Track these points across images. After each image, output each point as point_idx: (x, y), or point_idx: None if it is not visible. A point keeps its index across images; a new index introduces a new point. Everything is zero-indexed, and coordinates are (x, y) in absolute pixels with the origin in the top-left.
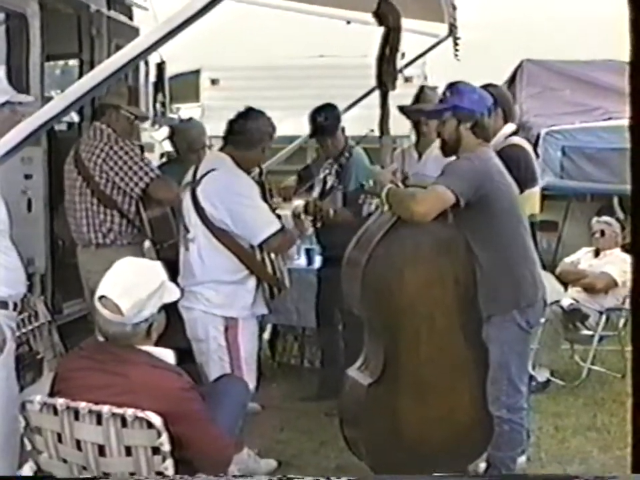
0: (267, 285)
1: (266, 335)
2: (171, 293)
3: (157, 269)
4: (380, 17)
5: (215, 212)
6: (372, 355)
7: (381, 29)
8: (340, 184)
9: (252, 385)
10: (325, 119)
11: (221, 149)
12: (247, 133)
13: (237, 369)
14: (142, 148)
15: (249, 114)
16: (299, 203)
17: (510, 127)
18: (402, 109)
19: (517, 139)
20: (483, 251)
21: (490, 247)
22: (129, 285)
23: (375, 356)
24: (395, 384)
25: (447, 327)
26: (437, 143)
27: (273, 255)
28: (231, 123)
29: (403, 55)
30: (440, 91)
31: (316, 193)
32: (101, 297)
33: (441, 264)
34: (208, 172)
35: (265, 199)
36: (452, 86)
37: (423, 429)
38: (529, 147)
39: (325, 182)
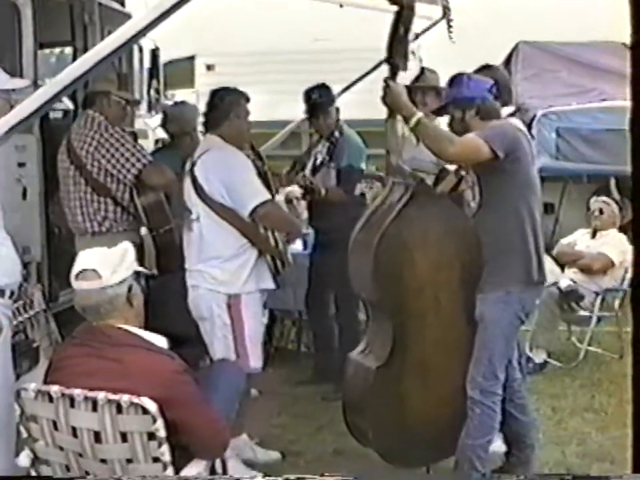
0: (270, 259)
1: (263, 320)
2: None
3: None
4: None
5: (210, 187)
6: (378, 338)
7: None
8: (331, 161)
9: (258, 363)
10: (319, 96)
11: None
12: (215, 108)
13: (241, 347)
14: (135, 135)
15: (213, 94)
16: (291, 188)
17: (508, 109)
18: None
19: (513, 121)
20: (498, 222)
21: (506, 218)
22: (101, 254)
23: (382, 339)
24: (402, 367)
25: (452, 310)
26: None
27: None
28: (204, 112)
29: (416, 36)
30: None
31: (307, 169)
32: (78, 274)
33: (449, 247)
34: (203, 153)
35: (265, 183)
36: (452, 79)
37: (428, 411)
38: (524, 129)
39: (315, 158)
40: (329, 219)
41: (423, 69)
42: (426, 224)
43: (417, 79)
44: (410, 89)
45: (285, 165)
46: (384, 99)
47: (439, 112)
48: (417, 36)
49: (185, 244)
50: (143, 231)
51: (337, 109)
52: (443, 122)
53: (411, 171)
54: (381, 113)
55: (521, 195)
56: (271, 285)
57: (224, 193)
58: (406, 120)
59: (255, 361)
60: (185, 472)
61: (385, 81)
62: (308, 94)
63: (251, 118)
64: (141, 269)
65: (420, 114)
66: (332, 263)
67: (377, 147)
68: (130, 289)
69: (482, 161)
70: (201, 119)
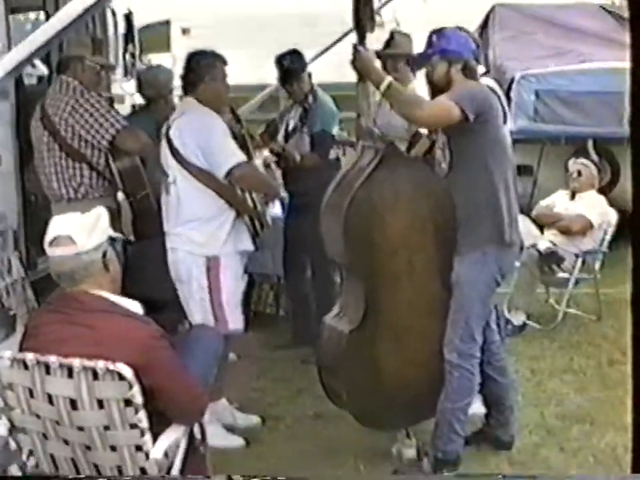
0: (248, 220)
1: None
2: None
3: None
4: None
5: (186, 150)
6: (351, 301)
7: None
8: (304, 126)
9: (237, 325)
10: (290, 62)
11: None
12: (191, 71)
13: (219, 309)
14: (111, 100)
15: (189, 57)
16: (268, 153)
17: (479, 69)
18: (377, 53)
19: (485, 80)
20: (469, 182)
21: (477, 178)
22: (74, 219)
23: (355, 303)
24: (376, 330)
25: (426, 273)
26: (408, 91)
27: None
28: (181, 75)
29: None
30: (413, 37)
31: (280, 136)
32: (52, 240)
33: (421, 209)
34: (179, 116)
35: (243, 146)
36: (438, 31)
37: (402, 374)
38: (498, 89)
39: (287, 125)
40: (303, 183)
41: (392, 34)
42: (396, 187)
43: (388, 43)
44: (380, 56)
45: (263, 128)
46: (353, 64)
47: (419, 61)
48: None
49: (163, 207)
50: (120, 196)
51: (309, 75)
52: (417, 87)
53: (381, 134)
54: (354, 76)
55: (491, 155)
56: (250, 246)
57: (199, 155)
58: (376, 85)
59: (234, 323)
60: (163, 438)
61: (354, 46)
62: (279, 60)
63: (229, 82)
64: (115, 234)
65: (389, 78)
66: (307, 226)
67: (351, 110)
68: (105, 255)
69: (453, 123)
70: (178, 83)
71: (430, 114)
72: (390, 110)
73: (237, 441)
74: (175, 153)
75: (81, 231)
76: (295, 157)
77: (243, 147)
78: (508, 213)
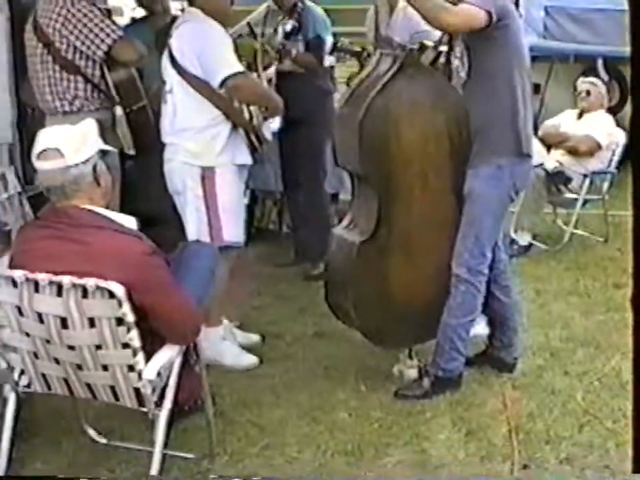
0: (244, 133)
1: (245, 201)
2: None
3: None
4: None
5: (183, 57)
6: (362, 212)
7: None
8: (299, 34)
9: (234, 237)
10: None
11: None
12: None
13: (215, 219)
14: (109, 12)
15: None
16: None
17: None
18: None
19: None
20: (489, 90)
21: (497, 85)
22: (63, 132)
23: (367, 214)
24: (387, 242)
25: (440, 185)
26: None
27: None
28: None
29: None
30: None
31: (278, 40)
32: (40, 154)
33: (438, 120)
34: (180, 24)
35: (253, 60)
36: None
37: (412, 289)
38: None
39: (284, 31)
40: (295, 96)
41: None
42: (414, 96)
43: None
44: None
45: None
46: None
47: None
48: None
49: (162, 118)
50: (119, 111)
51: None
52: None
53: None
54: None
55: (511, 63)
56: (248, 160)
57: (196, 63)
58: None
59: (230, 235)
60: (156, 357)
61: None
62: None
63: None
64: (107, 146)
65: None
66: (299, 138)
67: (346, 24)
68: (95, 168)
69: (479, 27)
70: None
71: (459, 18)
72: (396, 23)
73: (251, 360)
74: (173, 60)
75: (69, 143)
76: (291, 52)
77: (253, 61)
78: (524, 125)
